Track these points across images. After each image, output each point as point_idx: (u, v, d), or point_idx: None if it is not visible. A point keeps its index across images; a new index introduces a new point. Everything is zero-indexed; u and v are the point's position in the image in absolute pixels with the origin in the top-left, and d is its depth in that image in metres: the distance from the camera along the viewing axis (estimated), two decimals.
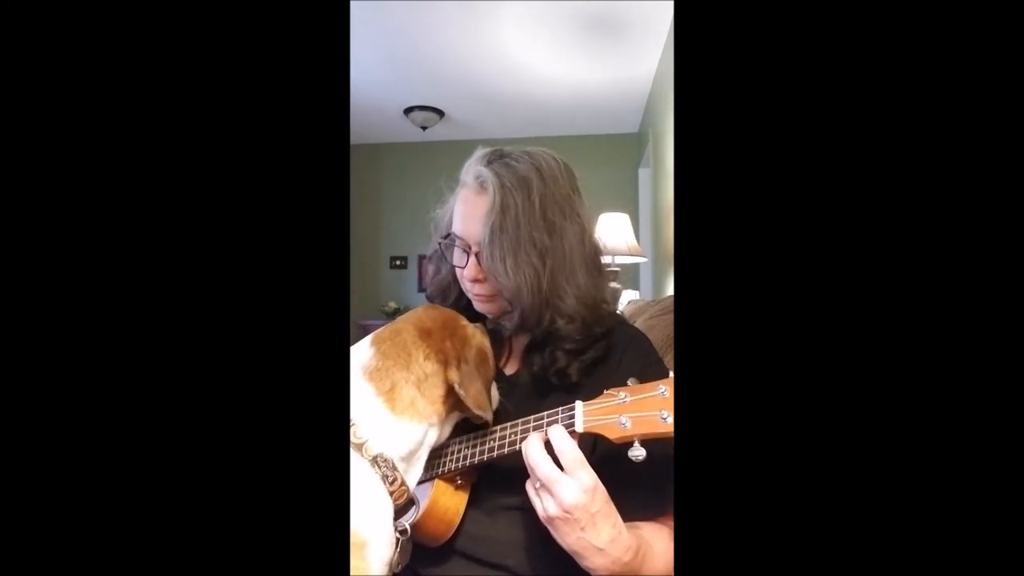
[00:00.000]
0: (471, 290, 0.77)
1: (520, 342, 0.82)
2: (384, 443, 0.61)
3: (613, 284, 0.79)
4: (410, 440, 0.63)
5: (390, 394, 0.63)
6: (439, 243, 0.82)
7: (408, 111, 3.75)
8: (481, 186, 0.74)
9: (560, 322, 0.72)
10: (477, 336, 0.70)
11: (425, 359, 0.65)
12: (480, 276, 0.75)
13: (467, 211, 0.76)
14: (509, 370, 0.82)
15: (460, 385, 0.64)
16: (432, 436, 0.66)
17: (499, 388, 0.76)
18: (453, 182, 0.81)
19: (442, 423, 0.67)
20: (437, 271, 0.86)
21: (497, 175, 0.72)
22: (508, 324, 0.77)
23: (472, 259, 0.75)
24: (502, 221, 0.71)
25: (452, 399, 0.66)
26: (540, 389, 0.75)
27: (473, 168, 0.76)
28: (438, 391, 0.65)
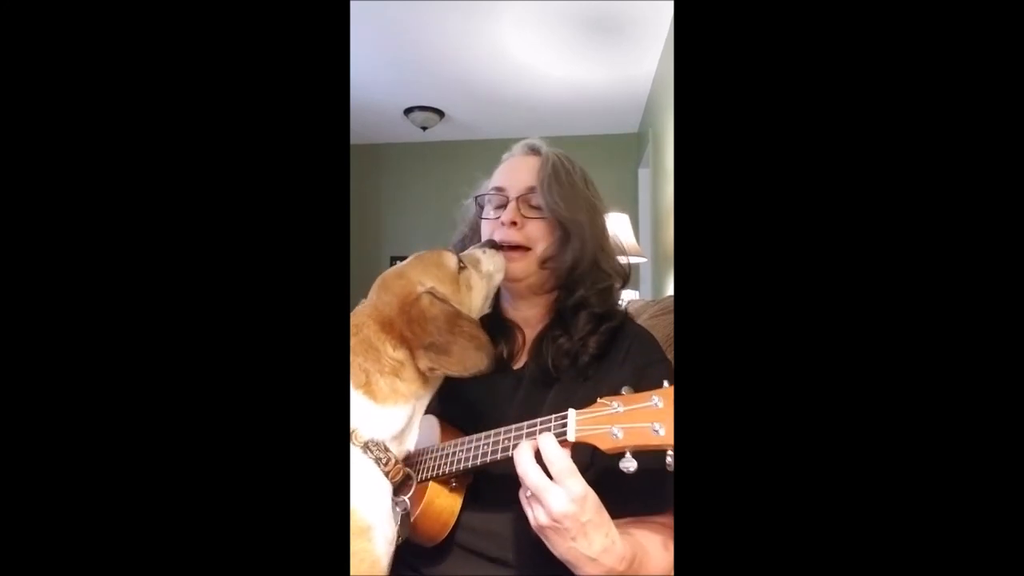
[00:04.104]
0: (504, 238, 0.79)
1: (530, 334, 0.83)
2: (373, 429, 0.62)
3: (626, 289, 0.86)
4: (399, 421, 0.64)
5: (367, 386, 0.63)
6: (475, 198, 0.86)
7: (408, 111, 3.74)
8: (531, 150, 0.82)
9: (602, 274, 0.77)
10: (435, 304, 0.65)
11: (394, 349, 0.65)
12: (516, 219, 0.78)
13: (512, 169, 0.82)
14: (517, 364, 0.83)
15: (435, 367, 0.64)
16: (422, 406, 0.68)
17: (505, 383, 0.76)
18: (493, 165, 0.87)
19: (431, 388, 0.68)
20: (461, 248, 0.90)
21: (547, 147, 0.81)
22: (544, 278, 0.80)
23: (512, 204, 0.79)
24: (555, 174, 0.77)
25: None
26: (546, 380, 0.76)
27: (522, 143, 0.84)
28: (417, 371, 0.65)
